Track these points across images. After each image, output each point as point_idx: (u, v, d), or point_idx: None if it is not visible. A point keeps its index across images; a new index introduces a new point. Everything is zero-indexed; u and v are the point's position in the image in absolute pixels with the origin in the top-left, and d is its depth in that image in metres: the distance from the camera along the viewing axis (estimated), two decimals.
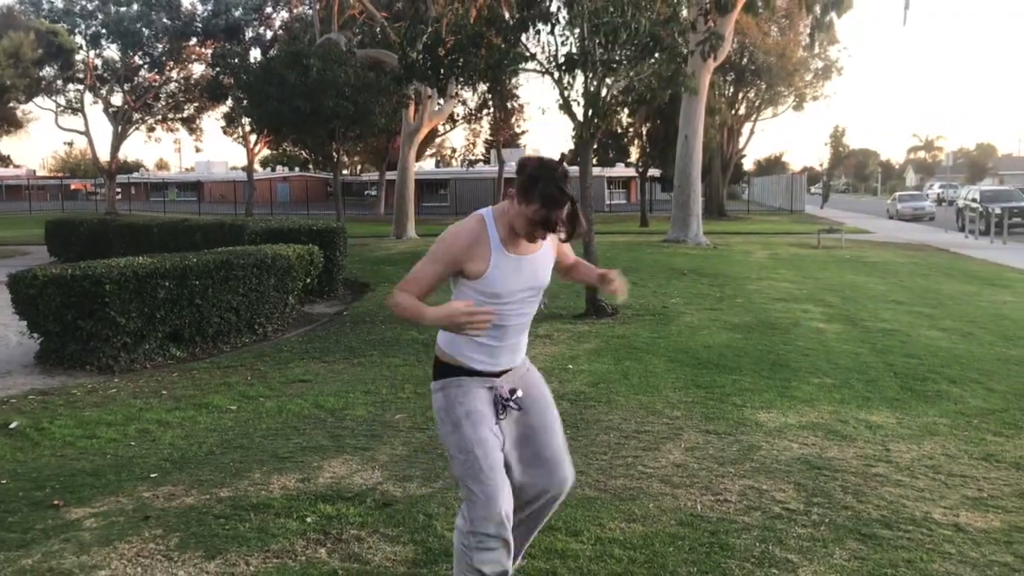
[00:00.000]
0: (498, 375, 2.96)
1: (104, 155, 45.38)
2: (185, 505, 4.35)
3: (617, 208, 51.26)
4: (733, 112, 40.89)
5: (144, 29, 40.79)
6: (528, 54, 10.05)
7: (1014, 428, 5.52)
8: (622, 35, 8.70)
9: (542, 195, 2.69)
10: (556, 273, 3.16)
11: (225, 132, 45.60)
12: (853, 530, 3.87)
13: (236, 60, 36.85)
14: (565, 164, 2.84)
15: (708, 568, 3.52)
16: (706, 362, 7.65)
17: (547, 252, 2.98)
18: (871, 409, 5.99)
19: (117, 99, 44.08)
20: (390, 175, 40.94)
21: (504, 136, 44.05)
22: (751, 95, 42.25)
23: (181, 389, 7.18)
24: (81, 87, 43.29)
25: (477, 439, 2.86)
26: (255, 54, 39.02)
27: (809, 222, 32.84)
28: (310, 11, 32.15)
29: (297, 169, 65.64)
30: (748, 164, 69.10)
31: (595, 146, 10.27)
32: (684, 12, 10.55)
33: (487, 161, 58.62)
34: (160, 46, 41.84)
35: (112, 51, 42.47)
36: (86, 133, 45.56)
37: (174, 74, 44.45)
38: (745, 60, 37.01)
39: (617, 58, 9.23)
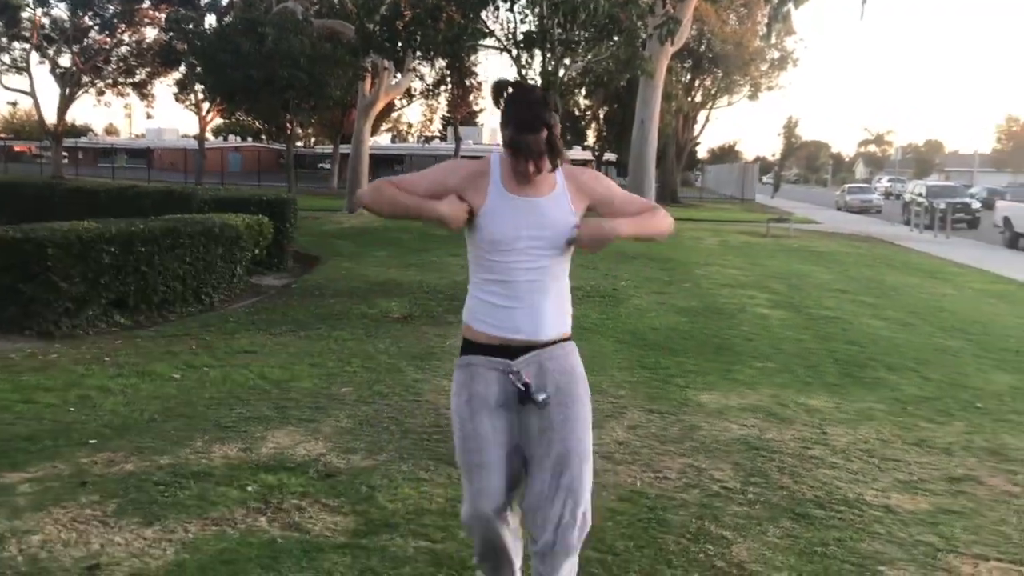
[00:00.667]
0: (514, 352, 2.58)
1: (51, 117, 44.19)
2: (124, 472, 4.30)
3: None
4: (689, 99, 41.19)
5: None
6: (487, 30, 10.00)
7: (946, 415, 5.69)
8: (581, 15, 8.70)
9: (515, 119, 2.46)
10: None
11: (177, 99, 44.66)
12: (787, 509, 3.97)
13: (191, 25, 36.04)
14: (549, 92, 2.62)
15: (645, 543, 3.59)
16: (652, 344, 7.74)
17: (560, 198, 2.59)
18: (810, 393, 6.13)
19: (65, 60, 42.87)
20: (344, 148, 40.48)
21: (461, 114, 43.88)
22: (708, 83, 42.60)
23: (124, 356, 7.06)
24: (27, 46, 42.01)
25: (473, 431, 2.60)
26: (210, 20, 38.19)
27: (759, 211, 33.27)
28: None
29: (250, 139, 64.59)
30: (702, 152, 69.85)
31: None
32: None
33: (443, 138, 58.34)
34: (112, 7, 40.74)
35: (61, 10, 41.31)
36: (31, 94, 44.25)
37: (126, 37, 43.31)
38: (703, 47, 37.27)
39: (576, 38, 9.25)
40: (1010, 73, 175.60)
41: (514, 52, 9.68)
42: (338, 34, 23.74)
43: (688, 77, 40.62)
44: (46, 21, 41.42)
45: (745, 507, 3.99)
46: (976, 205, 30.59)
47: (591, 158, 39.12)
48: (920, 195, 30.14)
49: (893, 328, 9.04)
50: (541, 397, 2.55)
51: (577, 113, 36.71)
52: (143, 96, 46.54)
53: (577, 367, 2.72)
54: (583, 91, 30.63)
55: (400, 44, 9.81)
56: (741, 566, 3.42)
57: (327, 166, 56.15)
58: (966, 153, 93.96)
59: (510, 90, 2.54)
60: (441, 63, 26.84)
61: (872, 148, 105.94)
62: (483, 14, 9.53)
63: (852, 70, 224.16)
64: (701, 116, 46.16)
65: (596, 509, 3.86)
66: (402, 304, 9.46)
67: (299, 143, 68.50)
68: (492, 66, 67.29)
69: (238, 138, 68.36)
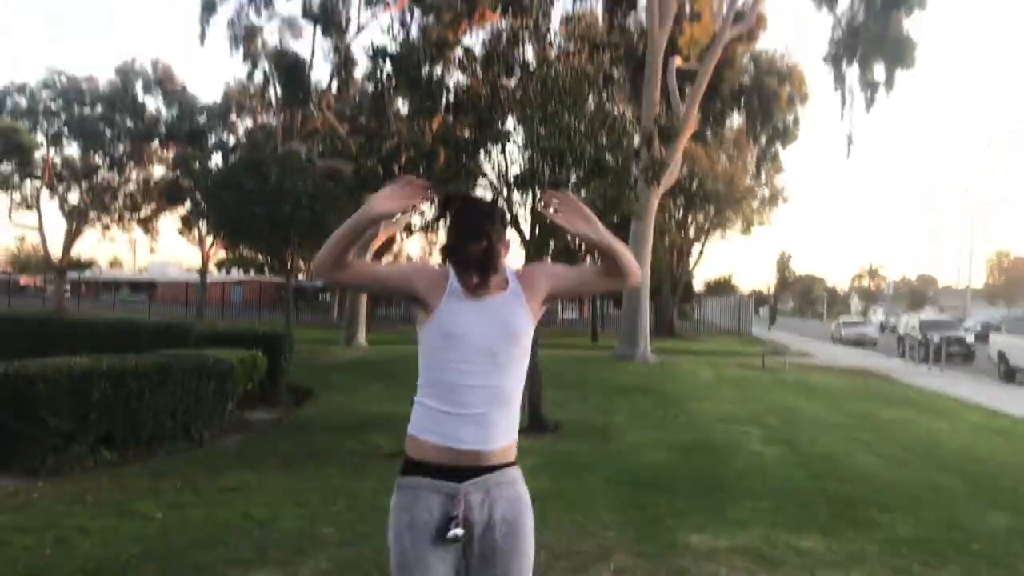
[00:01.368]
0: (465, 473, 2.48)
1: (56, 251, 44.94)
2: None
3: (569, 323, 51.71)
4: (683, 234, 42.00)
5: (107, 130, 41.12)
6: (480, 172, 10.33)
7: (940, 558, 5.58)
8: (568, 159, 9.05)
9: (454, 224, 2.49)
10: (598, 279, 2.77)
11: (181, 233, 45.58)
12: None
13: (197, 164, 37.19)
14: (497, 205, 2.65)
15: None
16: (644, 482, 7.65)
17: (513, 299, 2.58)
18: (801, 534, 6.03)
19: (74, 197, 43.99)
20: None
21: None
22: (700, 218, 43.52)
23: (108, 495, 6.97)
24: (38, 184, 43.17)
25: (416, 558, 2.47)
26: (217, 159, 39.42)
27: (755, 343, 33.38)
28: (274, 121, 32.77)
29: (252, 272, 65.44)
30: (698, 285, 70.55)
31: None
32: (630, 140, 10.98)
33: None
34: (121, 147, 42.11)
35: (72, 150, 42.66)
36: (39, 229, 45.18)
37: (134, 175, 44.61)
38: (695, 186, 38.26)
39: (564, 180, 9.56)
40: (997, 208, 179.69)
41: (505, 192, 9.97)
42: (340, 172, 24.46)
43: (680, 213, 41.55)
44: (58, 160, 42.70)
45: None
46: (970, 339, 30.71)
47: None
48: (914, 328, 30.34)
49: (887, 465, 8.95)
50: (451, 534, 2.45)
51: (573, 247, 37.34)
52: (147, 231, 47.47)
53: (525, 496, 2.64)
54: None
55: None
56: None
57: (328, 299, 56.64)
58: (959, 288, 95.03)
59: (459, 197, 2.63)
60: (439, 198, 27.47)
61: (866, 282, 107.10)
62: (473, 158, 9.86)
63: (843, 206, 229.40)
64: (695, 250, 46.97)
65: None
66: (392, 440, 9.38)
67: (300, 275, 69.41)
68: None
69: (240, 271, 69.20)
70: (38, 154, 41.71)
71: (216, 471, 7.93)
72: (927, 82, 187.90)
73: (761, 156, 30.79)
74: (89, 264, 55.74)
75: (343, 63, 26.24)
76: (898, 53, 26.06)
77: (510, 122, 10.52)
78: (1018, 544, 6.00)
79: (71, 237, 44.26)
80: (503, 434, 2.54)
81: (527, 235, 10.20)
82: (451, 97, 11.11)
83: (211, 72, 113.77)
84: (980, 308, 75.18)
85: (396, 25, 25.46)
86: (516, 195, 10.11)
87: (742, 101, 28.51)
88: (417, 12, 24.83)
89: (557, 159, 9.13)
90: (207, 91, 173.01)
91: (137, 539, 5.67)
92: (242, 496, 6.91)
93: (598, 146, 9.40)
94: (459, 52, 12.65)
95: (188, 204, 41.27)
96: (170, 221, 46.76)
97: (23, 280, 77.15)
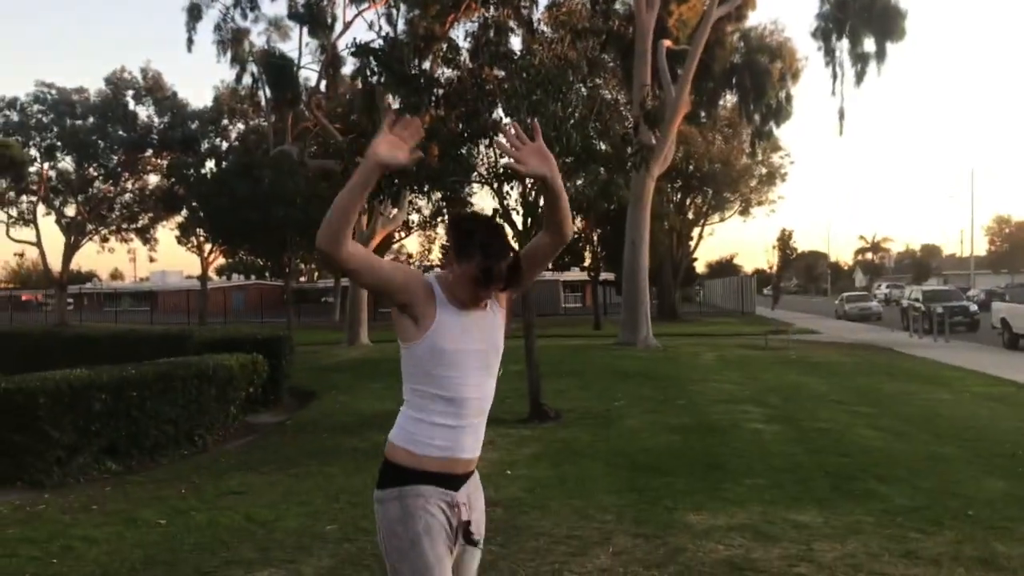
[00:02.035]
0: (458, 481, 2.58)
1: (56, 265, 45.06)
2: None
3: (572, 312, 51.76)
4: (681, 217, 41.99)
5: (100, 141, 41.16)
6: (468, 165, 10.36)
7: (936, 525, 5.62)
8: (555, 148, 9.05)
9: (482, 247, 2.46)
10: (541, 240, 2.74)
11: (179, 241, 45.66)
12: None
13: (191, 171, 37.22)
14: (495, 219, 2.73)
15: None
16: (643, 465, 7.70)
17: (494, 309, 2.66)
18: (799, 509, 6.07)
19: (70, 210, 44.09)
20: (345, 282, 41.02)
21: None
22: (698, 201, 43.49)
23: (112, 504, 7.04)
24: (34, 198, 43.26)
25: (436, 560, 2.49)
26: (210, 165, 39.46)
27: (759, 323, 33.40)
28: (265, 124, 32.78)
29: (253, 277, 65.64)
30: (700, 267, 70.54)
31: None
32: (620, 126, 11.00)
33: (443, 266, 59.09)
34: (115, 157, 42.16)
35: (67, 163, 42.73)
36: (38, 244, 45.29)
37: (129, 185, 44.67)
38: (691, 168, 38.25)
39: None
40: (996, 173, 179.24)
41: (495, 184, 9.99)
42: (332, 172, 24.51)
43: (678, 196, 41.54)
44: (52, 174, 42.78)
45: None
46: (974, 308, 30.68)
47: (588, 278, 39.55)
48: (917, 300, 30.33)
49: (887, 438, 8.99)
50: (476, 538, 2.58)
51: (573, 236, 37.37)
52: (146, 241, 47.59)
53: (482, 493, 2.77)
54: (580, 215, 31.37)
55: (383, 182, 10.15)
56: None
57: (331, 299, 56.75)
58: (963, 257, 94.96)
59: (468, 219, 2.63)
60: (437, 195, 27.62)
61: (869, 255, 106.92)
62: (463, 150, 9.88)
63: (843, 180, 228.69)
64: (695, 232, 46.97)
65: None
66: None
67: (302, 278, 69.53)
68: (485, 195, 68.83)
69: (242, 276, 69.38)
70: (32, 169, 41.79)
71: (219, 475, 7.99)
72: (922, 53, 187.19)
73: (756, 135, 30.60)
74: (89, 277, 55.89)
75: (331, 62, 26.25)
76: (887, 24, 25.96)
77: (498, 113, 10.55)
78: (1014, 508, 6.04)
79: (70, 250, 44.37)
80: (482, 439, 2.66)
81: (519, 227, 10.23)
82: (440, 91, 11.11)
83: (200, 77, 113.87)
84: (985, 277, 75.15)
85: (382, 21, 25.52)
86: (506, 187, 10.11)
87: (734, 80, 28.36)
88: (403, 7, 24.86)
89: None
90: (197, 96, 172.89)
91: (142, 546, 5.74)
92: (245, 499, 6.97)
93: (585, 134, 9.42)
94: (445, 47, 12.64)
95: (184, 212, 41.33)
96: (168, 230, 46.73)
97: (25, 296, 77.35)
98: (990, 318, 24.85)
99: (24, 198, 43.52)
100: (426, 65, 11.75)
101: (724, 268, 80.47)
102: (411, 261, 62.56)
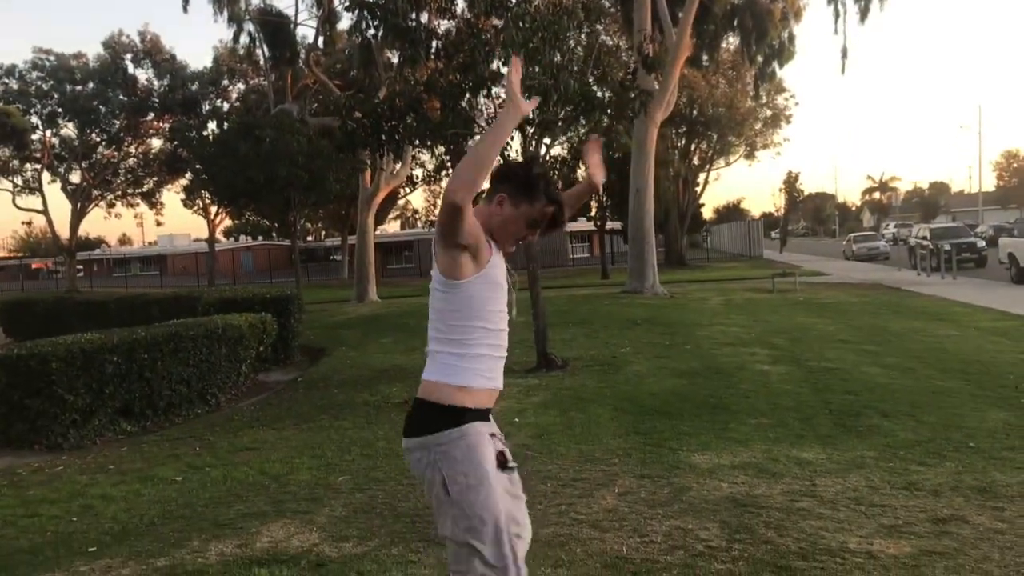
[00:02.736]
0: (488, 412, 2.67)
1: (64, 233, 45.20)
2: None
3: (580, 262, 51.74)
4: (687, 163, 41.72)
5: (101, 106, 40.99)
6: (468, 116, 10.32)
7: (937, 457, 5.71)
8: (553, 96, 9.01)
9: (548, 193, 2.69)
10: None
11: (185, 204, 45.70)
12: (770, 563, 4.00)
13: (193, 133, 37.09)
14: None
15: None
16: (649, 409, 7.79)
17: (501, 256, 2.76)
18: (803, 446, 6.16)
19: (75, 177, 44.08)
20: (353, 239, 41.12)
21: None
22: (703, 146, 43.18)
23: (128, 463, 7.19)
24: (38, 166, 43.26)
25: (502, 496, 2.56)
26: (212, 126, 39.31)
27: (766, 267, 33.36)
28: (265, 83, 32.57)
29: (260, 238, 65.72)
30: (708, 213, 70.33)
31: None
32: (620, 71, 10.91)
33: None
34: (117, 122, 42.02)
35: (69, 129, 42.61)
36: (44, 212, 45.38)
37: (132, 149, 44.59)
38: (695, 113, 37.91)
39: (552, 118, 9.54)
40: (1004, 107, 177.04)
41: None
42: (334, 130, 24.42)
43: (683, 142, 41.23)
44: (56, 141, 42.69)
45: (728, 564, 4.02)
46: (981, 244, 30.56)
47: (594, 228, 39.48)
48: (924, 238, 30.21)
49: (892, 374, 9.05)
50: (512, 464, 2.68)
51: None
52: (152, 205, 47.62)
53: None
54: (582, 165, 31.22)
55: (383, 136, 10.14)
56: None
57: (339, 257, 56.88)
58: (972, 193, 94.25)
59: (528, 169, 2.78)
60: (440, 149, 27.56)
61: (877, 195, 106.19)
62: (462, 103, 9.83)
63: (850, 120, 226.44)
64: (701, 178, 46.74)
65: None
66: (403, 389, 9.56)
67: (309, 237, 69.60)
68: None
69: (249, 238, 69.48)
70: (34, 137, 41.72)
71: (233, 433, 8.13)
72: None
73: (759, 77, 30.28)
74: (98, 243, 56.07)
75: (327, 17, 25.98)
76: None
77: (497, 64, 10.47)
78: (1016, 439, 6.11)
79: (77, 217, 44.44)
80: None
81: None
82: (438, 43, 11.03)
83: (199, 38, 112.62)
84: (993, 213, 74.68)
85: None
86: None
87: (735, 22, 27.98)
88: None
89: (542, 97, 9.10)
90: (197, 58, 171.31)
91: (159, 502, 5.88)
92: (259, 454, 7.10)
93: (584, 81, 9.36)
94: None
95: (189, 175, 41.30)
96: (174, 195, 46.76)
97: (35, 264, 77.71)
98: (998, 254, 24.77)
99: (28, 166, 43.50)
100: (424, 18, 11.60)
101: (731, 213, 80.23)
102: (417, 216, 62.56)
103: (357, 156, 21.24)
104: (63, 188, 44.15)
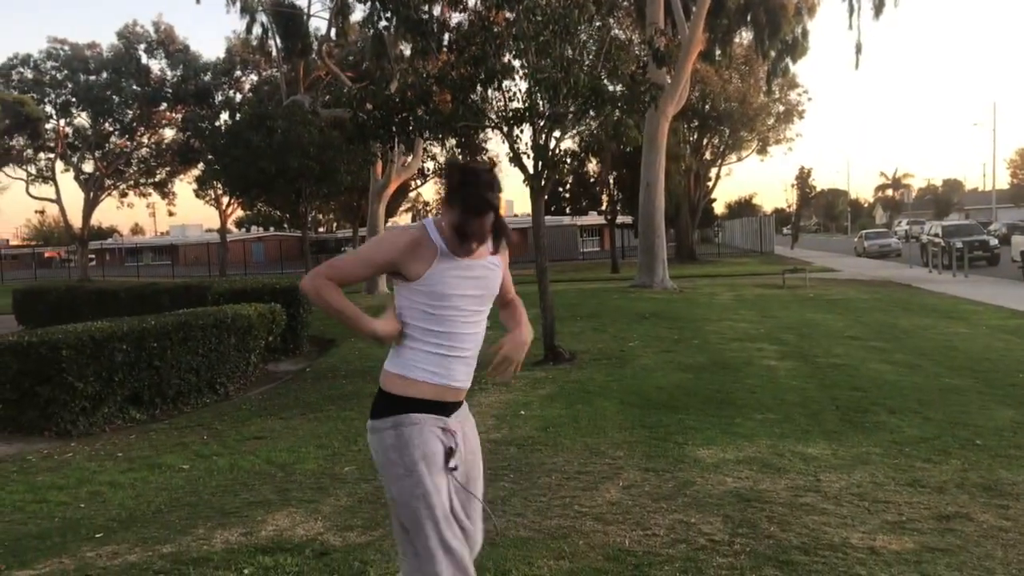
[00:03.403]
0: (450, 408, 2.69)
1: (77, 222, 45.45)
2: (127, 563, 4.41)
3: (590, 256, 51.70)
4: (698, 158, 41.61)
5: (114, 96, 41.16)
6: (479, 109, 10.32)
7: (943, 454, 5.70)
8: (563, 89, 9.01)
9: (463, 201, 2.53)
10: (496, 302, 2.91)
11: (197, 195, 45.85)
12: (772, 558, 4.01)
13: (205, 123, 37.21)
14: (494, 172, 2.69)
15: None
16: (655, 403, 7.80)
17: (494, 267, 2.76)
18: (808, 442, 6.16)
19: (88, 166, 44.30)
20: (364, 231, 41.16)
21: None
22: (715, 141, 43.04)
23: (137, 451, 7.24)
24: (52, 155, 43.48)
25: (434, 487, 2.57)
26: (224, 117, 39.41)
27: (777, 263, 33.26)
28: (277, 74, 32.62)
29: (272, 229, 65.88)
30: (719, 208, 70.05)
31: (546, 196, 10.50)
32: (632, 65, 10.88)
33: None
34: (130, 112, 42.19)
35: (83, 119, 42.81)
36: (57, 201, 45.63)
37: (145, 139, 44.77)
38: (707, 107, 37.78)
39: (562, 111, 9.54)
40: (1020, 105, 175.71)
41: (504, 128, 9.96)
42: (345, 122, 24.46)
43: (695, 137, 41.11)
44: (69, 130, 42.91)
45: (730, 558, 4.03)
46: (994, 242, 30.40)
47: (605, 222, 39.47)
48: (936, 235, 30.07)
49: (900, 371, 9.03)
50: (453, 463, 2.68)
51: (591, 179, 37.24)
52: (164, 195, 47.81)
53: (473, 420, 2.93)
54: (592, 158, 31.17)
55: (394, 128, 10.15)
56: None
57: (350, 249, 57.00)
58: (985, 191, 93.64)
59: (458, 170, 2.65)
60: (451, 142, 27.54)
61: (890, 192, 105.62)
62: (472, 96, 9.84)
63: (863, 117, 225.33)
64: (713, 173, 46.57)
65: (582, 570, 3.95)
66: None
67: (320, 228, 69.75)
68: (498, 140, 68.15)
69: (260, 228, 69.66)
70: (48, 126, 41.93)
71: (241, 422, 8.18)
72: None
73: (772, 72, 30.13)
74: (111, 232, 56.34)
75: (340, 9, 25.99)
76: None
77: (508, 57, 10.47)
78: (1022, 436, 6.09)
79: (90, 206, 44.67)
80: (473, 372, 2.79)
81: (530, 170, 10.22)
82: (450, 35, 11.04)
83: (212, 28, 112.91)
84: (1007, 211, 74.23)
85: None
86: (516, 131, 10.07)
87: (749, 17, 27.84)
88: None
89: (551, 91, 9.10)
90: (210, 49, 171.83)
91: (166, 489, 5.92)
92: (266, 443, 7.14)
93: (593, 75, 9.35)
94: None
95: (201, 165, 41.45)
96: (186, 184, 46.93)
97: (48, 252, 78.15)
98: (1010, 252, 24.65)
99: (42, 155, 43.75)
100: (436, 11, 11.63)
101: (743, 208, 79.87)
102: (428, 209, 62.57)
103: (368, 148, 21.26)
104: (76, 177, 44.41)
